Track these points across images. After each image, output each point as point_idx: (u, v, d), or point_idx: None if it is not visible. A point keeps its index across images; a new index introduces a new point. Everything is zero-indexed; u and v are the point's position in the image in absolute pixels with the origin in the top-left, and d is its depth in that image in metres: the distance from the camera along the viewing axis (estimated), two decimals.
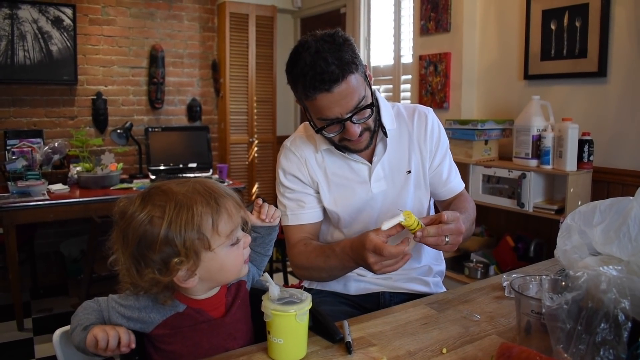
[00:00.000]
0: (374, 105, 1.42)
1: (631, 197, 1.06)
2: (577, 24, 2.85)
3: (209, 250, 1.04)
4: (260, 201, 1.26)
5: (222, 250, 1.06)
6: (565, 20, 2.91)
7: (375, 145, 1.57)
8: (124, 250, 1.04)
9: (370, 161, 1.57)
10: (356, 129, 1.41)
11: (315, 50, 1.35)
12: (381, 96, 1.60)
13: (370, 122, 1.46)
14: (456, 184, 1.69)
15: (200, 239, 1.02)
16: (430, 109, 1.66)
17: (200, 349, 1.11)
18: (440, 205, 1.74)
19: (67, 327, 1.18)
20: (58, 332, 1.20)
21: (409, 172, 1.59)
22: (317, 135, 1.56)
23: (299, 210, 1.59)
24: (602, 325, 0.89)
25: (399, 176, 1.59)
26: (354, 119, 1.40)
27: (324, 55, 1.33)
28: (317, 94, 1.35)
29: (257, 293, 1.16)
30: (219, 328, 1.13)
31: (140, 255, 1.02)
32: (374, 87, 1.52)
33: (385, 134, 1.55)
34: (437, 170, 1.64)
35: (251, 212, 1.24)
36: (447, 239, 1.30)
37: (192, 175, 4.25)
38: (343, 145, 1.50)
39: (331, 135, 1.45)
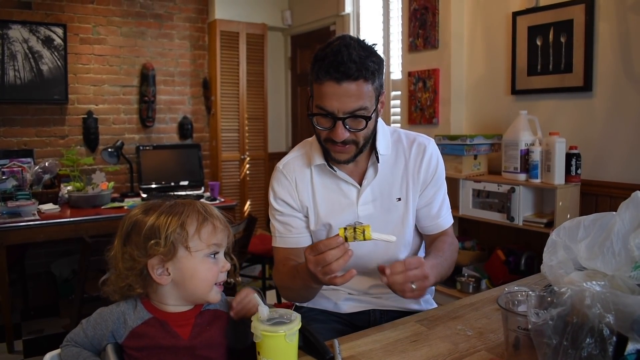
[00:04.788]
0: (369, 119, 1.41)
1: (614, 213, 1.08)
2: (563, 39, 2.90)
3: (186, 249, 1.12)
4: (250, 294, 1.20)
5: (199, 256, 1.14)
6: (551, 36, 2.96)
7: (366, 168, 1.57)
8: (119, 235, 1.17)
9: (360, 184, 1.57)
10: (344, 133, 1.41)
11: (346, 44, 1.38)
12: (382, 122, 1.59)
13: (360, 137, 1.45)
14: (445, 221, 1.66)
15: (181, 235, 1.12)
16: (432, 140, 1.65)
17: None
18: (426, 240, 1.72)
19: (58, 351, 1.20)
20: (48, 356, 1.19)
21: (399, 199, 1.58)
22: (313, 150, 1.57)
23: (287, 233, 1.60)
24: (588, 340, 0.90)
25: (388, 202, 1.58)
26: (347, 122, 1.41)
27: (351, 50, 1.36)
28: (327, 79, 1.37)
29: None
30: (184, 350, 1.14)
31: (129, 237, 1.15)
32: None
33: (377, 158, 1.55)
34: (428, 203, 1.62)
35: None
36: (413, 285, 1.30)
37: (183, 193, 4.25)
38: (327, 148, 1.50)
39: (320, 128, 1.46)
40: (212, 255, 1.16)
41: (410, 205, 1.59)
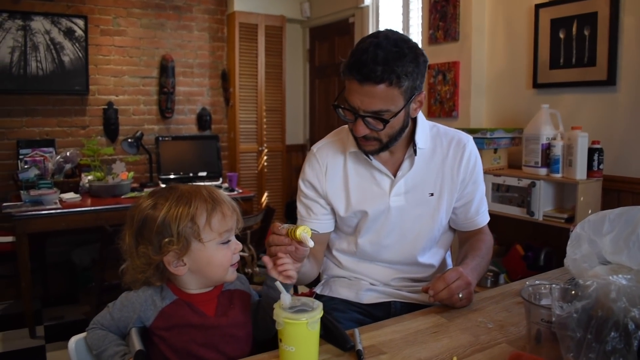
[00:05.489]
0: (387, 122, 1.40)
1: None
2: (586, 32, 2.86)
3: (199, 242, 1.15)
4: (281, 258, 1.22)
5: (212, 245, 1.16)
6: (574, 29, 2.92)
7: (403, 159, 1.56)
8: (129, 231, 1.18)
9: (395, 175, 1.57)
10: (364, 129, 1.42)
11: (377, 43, 1.35)
12: (422, 116, 1.58)
13: (382, 136, 1.45)
14: (482, 219, 1.66)
15: (192, 229, 1.14)
16: (470, 138, 1.63)
17: (193, 344, 1.16)
18: (460, 236, 1.72)
19: (83, 335, 1.23)
20: (73, 340, 1.22)
21: (432, 194, 1.58)
22: (349, 137, 1.57)
23: (307, 217, 1.63)
24: (612, 334, 0.89)
25: (421, 196, 1.57)
26: (368, 119, 1.41)
27: (379, 51, 1.33)
28: (350, 77, 1.38)
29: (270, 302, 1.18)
30: (212, 328, 1.17)
31: (140, 234, 1.16)
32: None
33: (415, 151, 1.54)
34: (467, 201, 1.62)
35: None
36: (460, 295, 1.34)
37: (201, 184, 4.28)
38: (354, 137, 1.51)
39: (343, 118, 1.47)
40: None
41: (444, 201, 1.58)
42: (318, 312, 1.05)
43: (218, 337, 1.17)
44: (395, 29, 1.44)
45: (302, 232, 1.21)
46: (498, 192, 3.09)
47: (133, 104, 4.72)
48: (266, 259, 1.22)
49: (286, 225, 1.25)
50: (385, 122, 1.40)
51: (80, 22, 4.33)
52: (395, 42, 1.37)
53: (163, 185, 4.00)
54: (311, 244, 1.21)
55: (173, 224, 1.12)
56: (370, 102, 1.37)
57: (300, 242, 1.21)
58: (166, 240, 1.12)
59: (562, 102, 3.02)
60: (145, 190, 3.95)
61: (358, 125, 1.42)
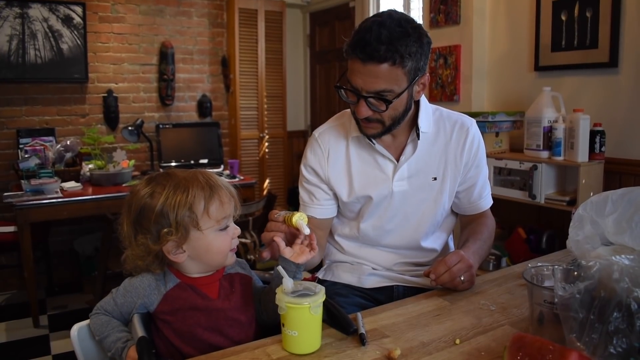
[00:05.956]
0: (389, 102, 1.38)
1: None
2: (588, 14, 2.83)
3: (198, 230, 1.14)
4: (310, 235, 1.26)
5: (211, 233, 1.16)
6: (576, 11, 2.89)
7: (406, 143, 1.55)
8: (127, 220, 1.17)
9: (398, 159, 1.55)
10: (366, 111, 1.40)
11: (381, 22, 1.34)
12: (425, 99, 1.56)
13: (385, 117, 1.43)
14: (485, 203, 1.65)
15: (191, 217, 1.13)
16: (473, 121, 1.62)
17: (198, 328, 1.16)
18: (462, 220, 1.71)
19: (85, 322, 1.23)
20: (76, 327, 1.23)
21: (435, 179, 1.56)
22: (352, 121, 1.55)
23: (310, 203, 1.61)
24: (615, 314, 0.89)
25: (424, 180, 1.56)
26: (370, 101, 1.39)
27: (382, 30, 1.32)
28: (353, 57, 1.36)
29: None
30: (217, 311, 1.18)
31: (139, 223, 1.15)
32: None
33: (418, 135, 1.52)
34: (470, 185, 1.61)
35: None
36: (462, 278, 1.33)
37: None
38: (356, 120, 1.49)
39: (345, 99, 1.46)
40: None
41: (447, 185, 1.57)
42: (320, 296, 1.05)
43: (222, 320, 1.18)
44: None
45: (298, 219, 1.23)
46: (500, 176, 3.08)
47: (133, 91, 4.69)
48: (277, 239, 1.24)
49: (283, 213, 1.27)
50: (388, 102, 1.38)
51: (79, 9, 4.29)
52: (399, 21, 1.35)
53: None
54: (307, 230, 1.22)
55: (171, 213, 1.12)
56: (373, 82, 1.36)
57: (297, 229, 1.22)
58: (165, 230, 1.12)
59: (564, 85, 3.00)
60: None
61: (360, 107, 1.40)
